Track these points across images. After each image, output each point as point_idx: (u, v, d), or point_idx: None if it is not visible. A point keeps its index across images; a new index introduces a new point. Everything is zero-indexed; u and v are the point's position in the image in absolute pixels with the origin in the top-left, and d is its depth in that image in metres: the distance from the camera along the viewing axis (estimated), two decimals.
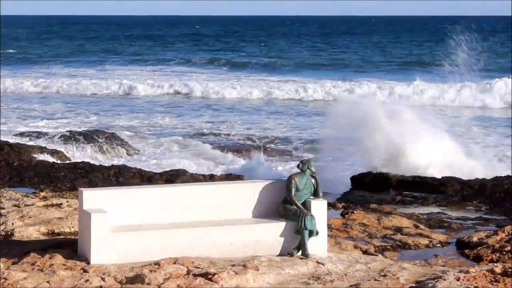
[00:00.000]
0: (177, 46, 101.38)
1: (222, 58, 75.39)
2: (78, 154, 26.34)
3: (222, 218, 11.78)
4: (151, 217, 11.54)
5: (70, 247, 11.70)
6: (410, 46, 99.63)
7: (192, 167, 24.83)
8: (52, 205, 15.87)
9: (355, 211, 16.36)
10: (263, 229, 11.64)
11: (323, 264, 11.23)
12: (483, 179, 20.71)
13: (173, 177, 21.62)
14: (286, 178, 11.93)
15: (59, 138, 27.90)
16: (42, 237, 13.38)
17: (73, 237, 12.76)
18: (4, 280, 10.20)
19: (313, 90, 47.42)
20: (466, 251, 13.61)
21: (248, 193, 11.98)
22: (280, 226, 11.65)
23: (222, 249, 11.43)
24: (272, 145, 29.77)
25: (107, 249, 10.94)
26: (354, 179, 21.63)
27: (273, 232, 11.63)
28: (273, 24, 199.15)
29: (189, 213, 11.70)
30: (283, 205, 11.71)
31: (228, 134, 32.01)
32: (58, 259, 11.02)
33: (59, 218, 14.56)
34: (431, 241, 14.52)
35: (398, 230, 15.20)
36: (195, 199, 11.79)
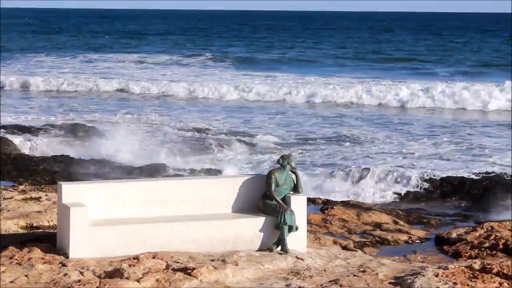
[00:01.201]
0: (158, 40, 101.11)
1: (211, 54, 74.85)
2: (58, 147, 26.19)
3: (201, 213, 11.77)
4: (130, 211, 11.50)
5: (49, 241, 11.63)
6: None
7: (172, 161, 24.78)
8: (31, 198, 15.78)
9: (334, 207, 16.39)
10: (243, 224, 11.62)
11: (302, 259, 11.24)
12: (463, 176, 20.82)
13: (153, 171, 21.58)
14: (266, 173, 11.93)
15: (38, 131, 27.77)
16: (21, 231, 13.30)
17: (52, 231, 12.69)
18: None
19: None
20: (445, 247, 13.67)
21: (228, 188, 11.97)
22: (259, 221, 11.64)
23: (202, 244, 11.40)
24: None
25: (86, 243, 10.89)
26: None
27: (253, 227, 11.61)
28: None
29: (168, 207, 11.67)
30: (263, 200, 11.70)
31: (209, 129, 31.93)
32: (37, 253, 10.96)
33: (38, 211, 14.49)
34: (410, 237, 14.58)
35: (378, 226, 15.25)
36: (175, 194, 11.76)
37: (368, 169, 21.70)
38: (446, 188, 19.90)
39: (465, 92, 42.83)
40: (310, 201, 16.62)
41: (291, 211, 11.48)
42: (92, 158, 23.73)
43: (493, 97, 41.59)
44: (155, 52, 78.15)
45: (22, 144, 25.65)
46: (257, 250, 11.49)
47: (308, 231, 12.33)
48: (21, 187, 17.43)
